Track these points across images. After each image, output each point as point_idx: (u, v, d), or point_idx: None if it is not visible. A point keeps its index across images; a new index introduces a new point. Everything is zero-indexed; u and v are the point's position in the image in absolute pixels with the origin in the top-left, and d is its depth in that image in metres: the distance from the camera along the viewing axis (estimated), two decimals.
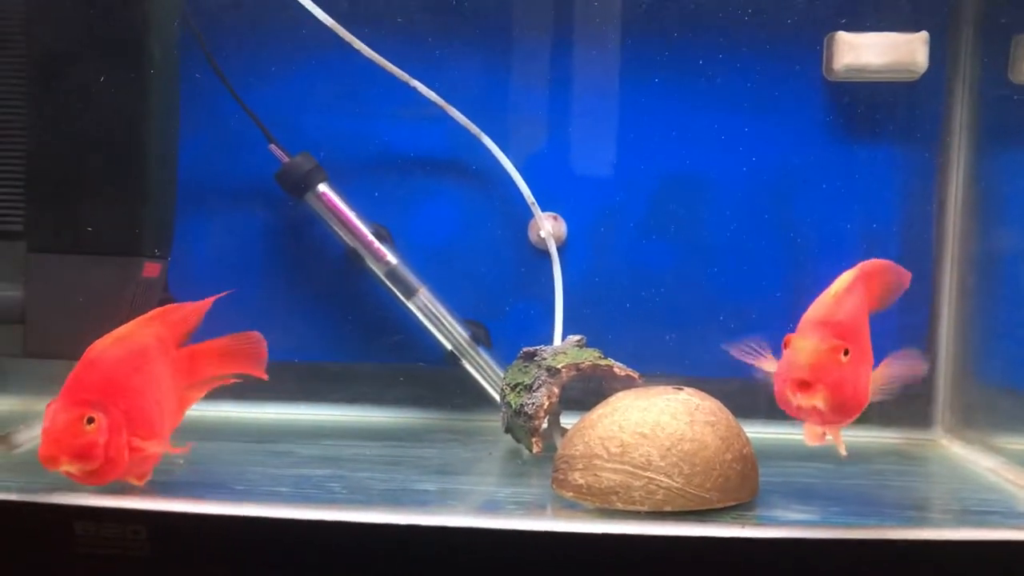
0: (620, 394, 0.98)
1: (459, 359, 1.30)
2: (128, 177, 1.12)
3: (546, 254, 1.30)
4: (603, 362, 1.11)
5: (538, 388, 1.09)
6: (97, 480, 0.86)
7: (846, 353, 0.80)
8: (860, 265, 0.91)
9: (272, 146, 1.26)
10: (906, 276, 0.96)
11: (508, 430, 1.16)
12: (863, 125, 1.30)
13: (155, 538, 0.83)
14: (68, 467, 0.84)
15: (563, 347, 1.16)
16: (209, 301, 0.99)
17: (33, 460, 1.01)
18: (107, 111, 1.10)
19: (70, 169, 1.11)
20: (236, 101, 1.25)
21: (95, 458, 0.84)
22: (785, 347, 0.82)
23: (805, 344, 0.80)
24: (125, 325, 0.92)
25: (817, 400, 0.79)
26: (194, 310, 0.98)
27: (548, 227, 1.30)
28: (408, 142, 1.32)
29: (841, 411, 0.81)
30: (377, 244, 1.27)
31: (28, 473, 0.98)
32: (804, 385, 0.79)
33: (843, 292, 0.86)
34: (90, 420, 0.84)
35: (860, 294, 0.88)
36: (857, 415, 0.84)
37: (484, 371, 1.29)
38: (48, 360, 1.09)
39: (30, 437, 1.11)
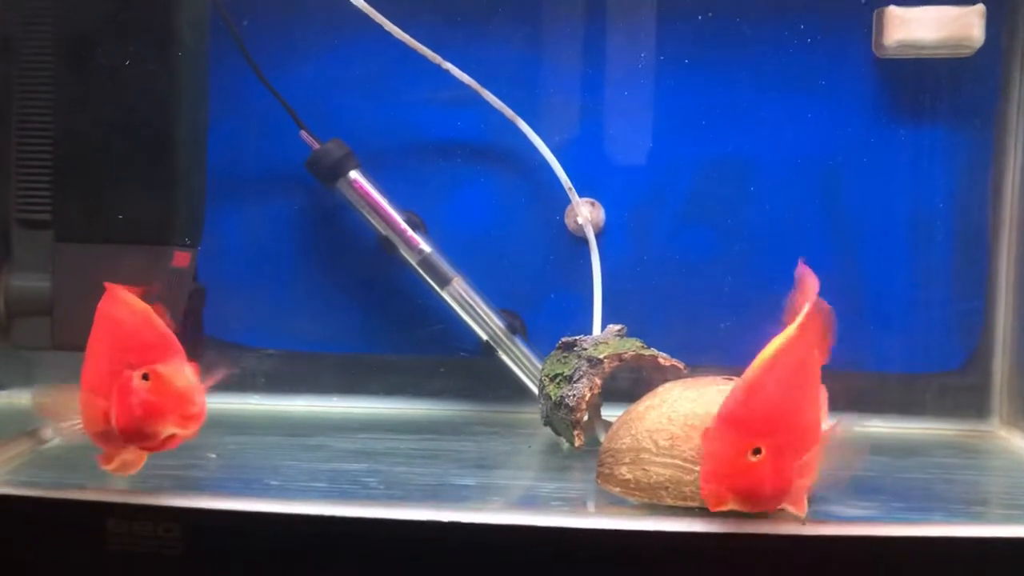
0: (667, 385, 0.94)
1: (495, 350, 1.26)
2: (157, 164, 1.10)
3: (584, 241, 1.26)
4: (646, 352, 1.07)
5: (579, 379, 1.06)
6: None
7: (756, 452, 0.75)
8: (801, 324, 0.81)
9: (303, 132, 1.24)
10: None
11: (547, 423, 1.13)
12: (915, 104, 1.25)
13: (187, 536, 0.80)
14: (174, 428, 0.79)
15: (603, 337, 1.12)
16: None
17: (64, 455, 1.00)
18: (136, 97, 1.08)
19: (98, 157, 1.09)
20: (266, 86, 1.23)
21: None
22: (703, 440, 0.78)
23: (713, 450, 0.76)
24: None
25: (730, 506, 0.76)
26: None
27: (586, 213, 1.27)
28: (442, 127, 1.29)
29: (761, 506, 0.77)
30: (410, 232, 1.25)
31: (59, 468, 0.97)
32: (714, 498, 0.76)
33: (763, 372, 0.77)
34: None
35: (793, 364, 0.79)
36: (783, 500, 0.78)
37: (521, 362, 1.26)
38: (77, 352, 1.07)
39: (59, 432, 1.08)
